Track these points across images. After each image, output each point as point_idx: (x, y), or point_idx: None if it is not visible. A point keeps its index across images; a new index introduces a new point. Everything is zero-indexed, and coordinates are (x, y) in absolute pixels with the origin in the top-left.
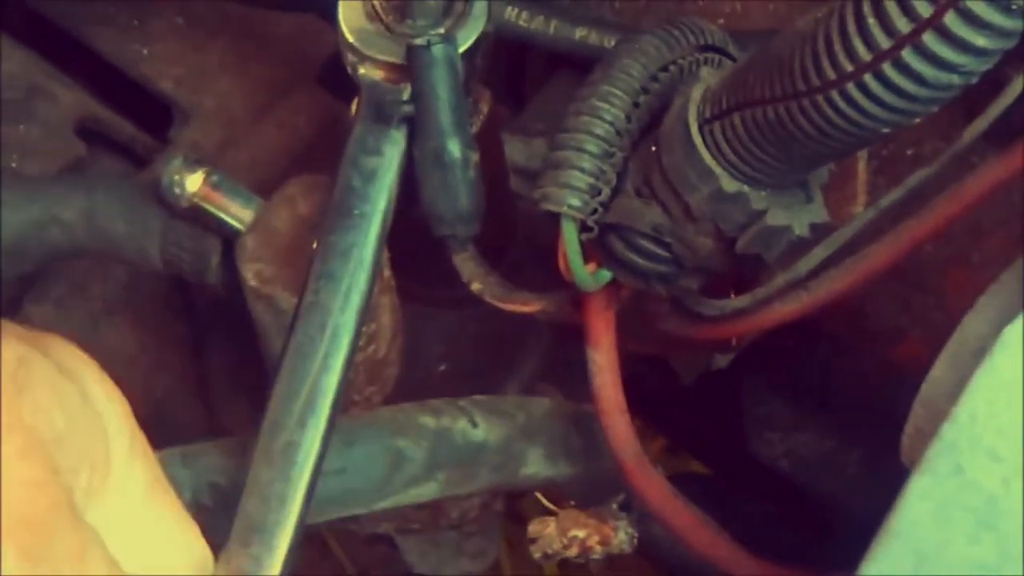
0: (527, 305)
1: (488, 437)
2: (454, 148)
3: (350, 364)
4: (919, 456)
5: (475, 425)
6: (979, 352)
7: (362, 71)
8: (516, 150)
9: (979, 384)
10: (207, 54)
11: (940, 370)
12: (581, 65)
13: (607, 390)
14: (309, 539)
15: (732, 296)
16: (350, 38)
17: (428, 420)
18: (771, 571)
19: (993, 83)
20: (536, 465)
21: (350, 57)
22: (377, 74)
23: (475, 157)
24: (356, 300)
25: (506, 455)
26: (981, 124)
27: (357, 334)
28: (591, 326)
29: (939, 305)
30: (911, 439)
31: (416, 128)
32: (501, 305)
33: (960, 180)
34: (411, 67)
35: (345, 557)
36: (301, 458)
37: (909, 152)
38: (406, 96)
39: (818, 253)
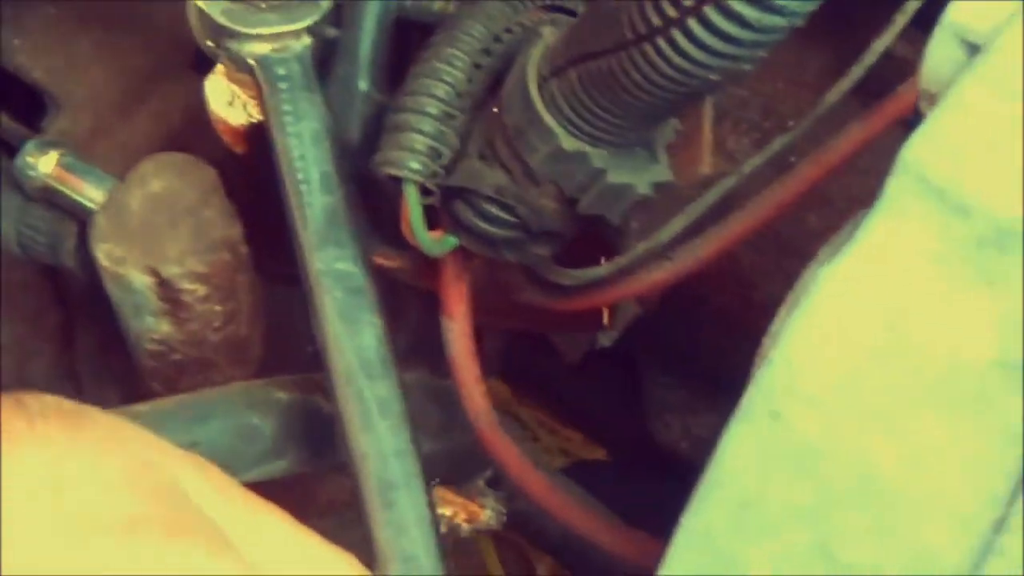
0: (388, 260)
1: None
2: (364, 82)
3: None
4: None
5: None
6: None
7: (247, 49)
8: None
9: (795, 327)
10: (79, 44)
11: (777, 323)
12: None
13: (462, 358)
14: None
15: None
16: (222, 20)
17: (281, 395)
18: (631, 537)
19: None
20: None
21: (227, 42)
22: (263, 48)
23: (380, 99)
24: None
25: None
26: (844, 85)
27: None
28: (444, 294)
29: None
30: None
31: (335, 54)
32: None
33: (824, 142)
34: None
35: None
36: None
37: (791, 123)
38: (300, 48)
39: (678, 221)
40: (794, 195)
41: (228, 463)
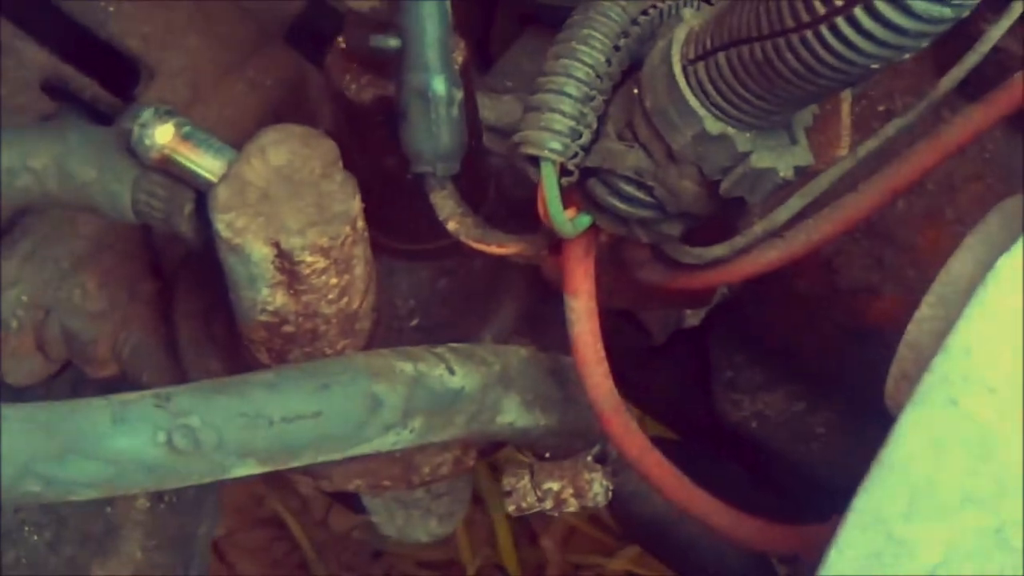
0: (503, 247)
1: (465, 384)
2: (439, 84)
3: None
4: (905, 397)
5: (452, 372)
6: (967, 291)
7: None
8: (486, 107)
9: (972, 315)
10: (175, 12)
11: (927, 310)
12: (548, 24)
13: (585, 338)
14: (265, 521)
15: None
16: None
17: (405, 366)
18: (747, 522)
19: (964, 37)
20: (512, 414)
21: None
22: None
23: (459, 95)
24: None
25: (482, 403)
26: (958, 73)
27: None
28: (570, 273)
29: (912, 262)
30: (896, 381)
31: (402, 62)
32: (477, 245)
33: (938, 129)
34: (401, 2)
35: (304, 537)
36: None
37: (881, 108)
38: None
39: (796, 202)
40: (908, 181)
41: (352, 433)
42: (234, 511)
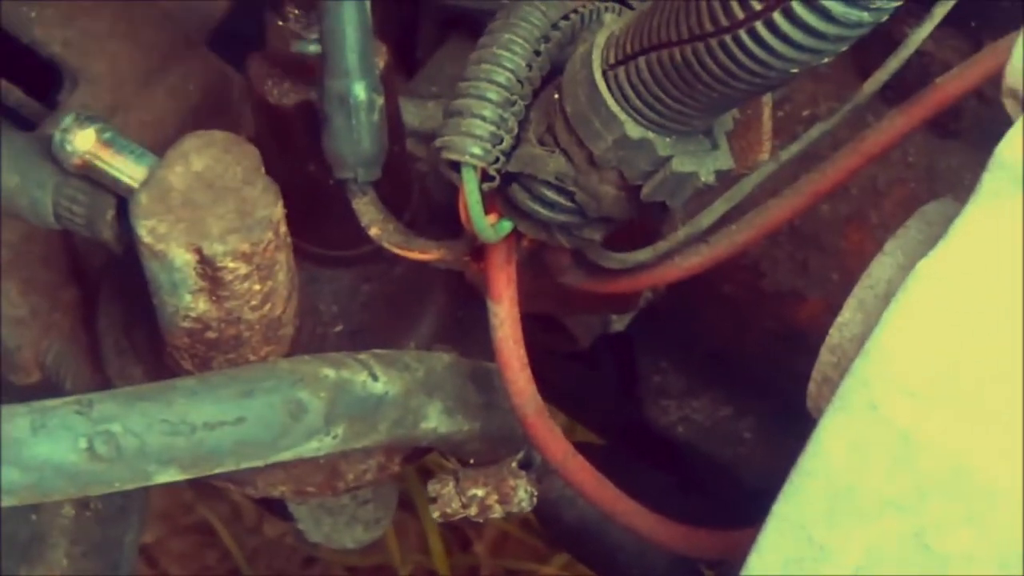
0: (426, 253)
1: (388, 390)
2: (360, 90)
3: None
4: (826, 401)
5: (375, 378)
6: (887, 295)
7: None
8: (410, 113)
9: (891, 319)
10: (97, 17)
11: (848, 315)
12: (474, 29)
13: (508, 343)
14: (196, 527)
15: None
16: None
17: (328, 371)
18: (671, 527)
19: (886, 41)
20: (435, 420)
21: None
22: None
23: (380, 101)
24: None
25: (406, 408)
26: (880, 77)
27: None
28: (492, 279)
29: (837, 266)
30: (818, 386)
31: (323, 68)
32: (400, 251)
33: (862, 133)
34: (321, 7)
35: (234, 544)
36: None
37: (805, 113)
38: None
39: (719, 206)
40: (832, 184)
41: (275, 439)
42: (165, 517)
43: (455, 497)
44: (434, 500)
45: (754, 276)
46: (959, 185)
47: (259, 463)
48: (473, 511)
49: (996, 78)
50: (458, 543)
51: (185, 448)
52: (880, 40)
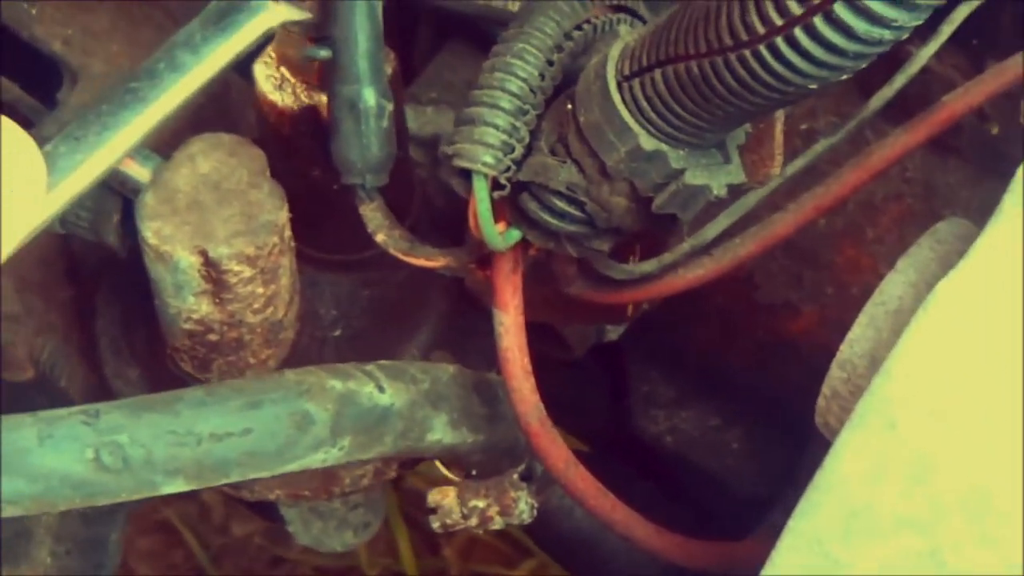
0: (431, 260)
1: (394, 402)
2: (369, 96)
3: None
4: (836, 416)
5: (382, 389)
6: (898, 312)
7: None
8: (409, 118)
9: (912, 339)
10: (97, 15)
11: (858, 331)
12: (471, 35)
13: (513, 352)
14: (162, 526)
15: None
16: None
17: (335, 383)
18: (668, 537)
19: (886, 58)
20: (440, 431)
21: None
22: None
23: (390, 107)
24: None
25: (411, 420)
26: (887, 93)
27: None
28: (499, 287)
29: (832, 280)
30: (827, 400)
31: (333, 73)
32: (406, 258)
33: (866, 149)
34: (332, 13)
35: (198, 544)
36: None
37: (803, 127)
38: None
39: (724, 220)
40: (836, 199)
41: (281, 450)
42: (131, 515)
43: (456, 508)
44: (434, 511)
45: (748, 288)
46: (956, 202)
47: (265, 474)
48: (474, 522)
49: (998, 97)
50: (427, 547)
51: (191, 459)
52: (881, 57)
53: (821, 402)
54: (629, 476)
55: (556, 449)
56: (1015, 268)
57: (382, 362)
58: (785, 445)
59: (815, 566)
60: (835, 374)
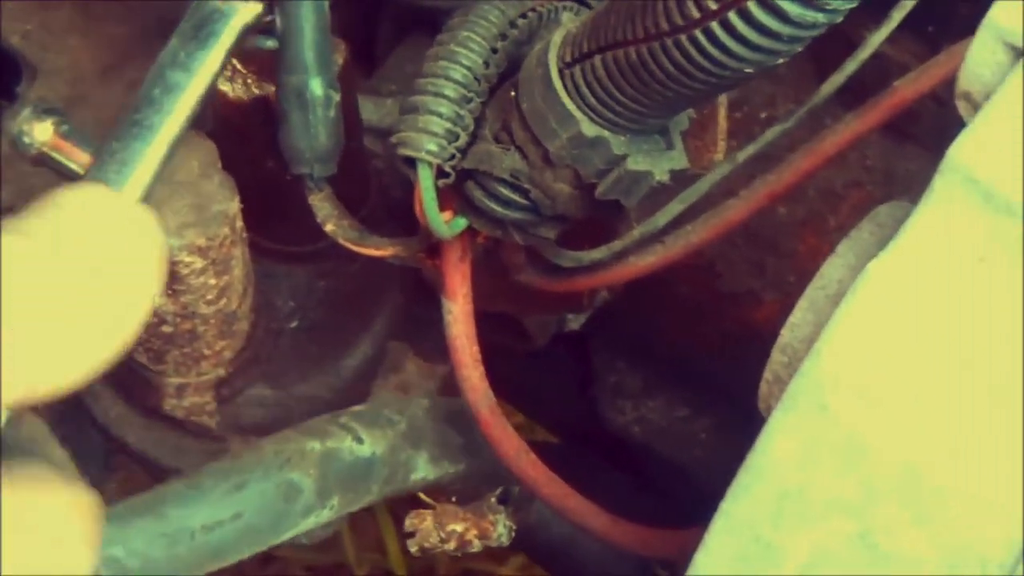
0: (380, 249)
1: (375, 450)
2: (316, 86)
3: None
4: (777, 401)
5: (360, 441)
6: (837, 296)
7: None
8: (368, 110)
9: (842, 319)
10: (56, 10)
11: (799, 315)
12: (433, 27)
13: (462, 340)
14: None
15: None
16: None
17: (314, 444)
18: (623, 525)
19: (845, 44)
20: (424, 469)
21: None
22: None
23: (337, 97)
24: None
25: (395, 464)
26: (838, 79)
27: None
28: (447, 276)
29: (794, 268)
30: (769, 385)
31: (279, 63)
32: (354, 248)
33: (818, 135)
34: (279, 3)
35: None
36: None
37: (763, 115)
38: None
39: (675, 206)
40: (787, 186)
41: (274, 525)
42: None
43: (434, 532)
44: (412, 535)
45: (710, 277)
46: (916, 188)
47: (262, 549)
48: (452, 546)
49: (953, 82)
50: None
51: (188, 553)
52: (838, 43)
53: (763, 387)
54: (599, 467)
55: (507, 438)
56: (945, 248)
57: (355, 409)
58: (753, 435)
59: (746, 549)
60: (776, 359)
